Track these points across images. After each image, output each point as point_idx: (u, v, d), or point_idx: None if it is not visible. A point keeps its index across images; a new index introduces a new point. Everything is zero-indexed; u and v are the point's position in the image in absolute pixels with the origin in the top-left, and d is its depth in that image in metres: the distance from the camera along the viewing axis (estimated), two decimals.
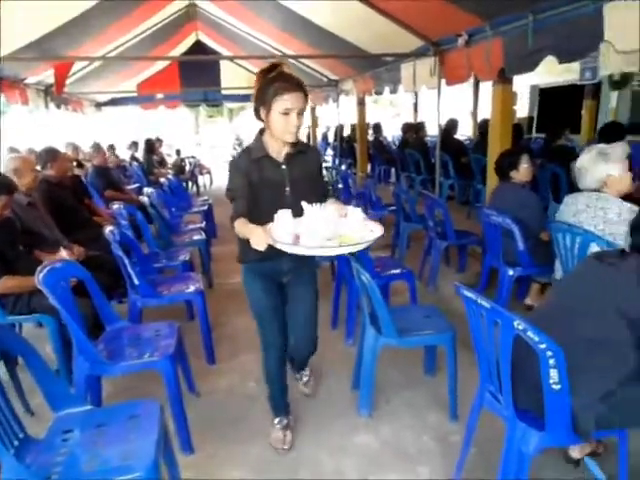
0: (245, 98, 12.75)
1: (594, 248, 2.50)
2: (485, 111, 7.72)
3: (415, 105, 11.68)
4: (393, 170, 9.52)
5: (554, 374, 1.48)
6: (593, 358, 1.56)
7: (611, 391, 1.56)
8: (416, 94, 12.09)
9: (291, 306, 2.25)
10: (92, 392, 2.31)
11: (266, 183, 1.99)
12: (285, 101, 1.87)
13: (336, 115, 9.93)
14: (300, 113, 1.92)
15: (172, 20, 8.12)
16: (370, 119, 11.75)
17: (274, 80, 1.89)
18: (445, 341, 2.40)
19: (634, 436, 1.83)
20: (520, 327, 1.47)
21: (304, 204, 1.85)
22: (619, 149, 2.57)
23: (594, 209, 2.63)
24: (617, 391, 1.57)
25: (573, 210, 2.75)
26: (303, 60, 8.55)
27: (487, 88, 5.30)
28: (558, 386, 1.50)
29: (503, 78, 4.49)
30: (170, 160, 11.54)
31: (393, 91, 6.68)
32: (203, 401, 2.75)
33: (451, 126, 7.22)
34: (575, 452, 2.06)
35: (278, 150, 2.03)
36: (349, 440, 2.37)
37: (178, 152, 12.66)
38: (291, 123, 1.91)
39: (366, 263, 2.90)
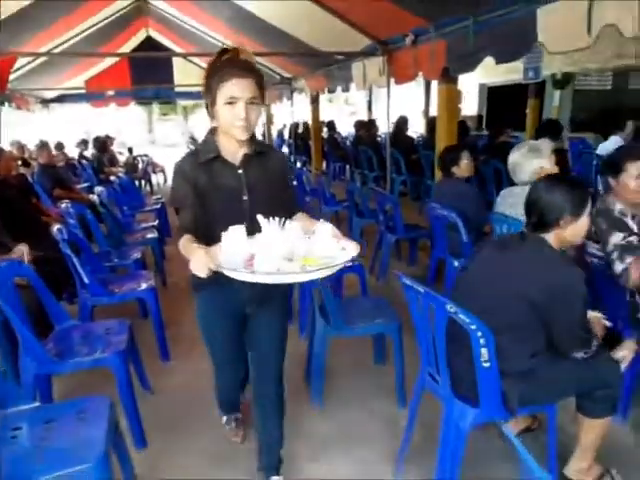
0: (199, 96, 12.58)
1: None
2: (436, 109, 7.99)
3: (369, 103, 11.90)
4: (348, 167, 9.68)
5: (484, 352, 1.60)
6: (508, 341, 1.68)
7: (528, 370, 1.71)
8: (370, 92, 12.34)
9: (253, 336, 1.91)
10: (42, 391, 2.30)
11: (218, 190, 1.67)
12: (229, 88, 1.56)
13: (290, 113, 9.98)
14: (251, 103, 1.59)
15: (122, 15, 7.95)
16: (325, 117, 11.88)
17: (220, 67, 1.60)
18: (391, 330, 2.51)
19: (567, 411, 2.00)
20: (452, 310, 1.59)
21: (260, 218, 1.51)
22: (547, 144, 2.77)
23: None
24: (534, 370, 1.71)
25: (510, 202, 2.91)
26: (256, 58, 8.56)
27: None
28: (488, 364, 1.62)
29: (447, 77, 4.67)
30: (122, 159, 11.28)
31: (345, 89, 6.80)
32: (157, 398, 2.77)
33: (401, 123, 7.42)
34: (510, 428, 2.21)
35: (234, 151, 1.71)
36: (301, 427, 2.45)
37: (130, 150, 12.39)
38: (237, 115, 1.58)
39: None
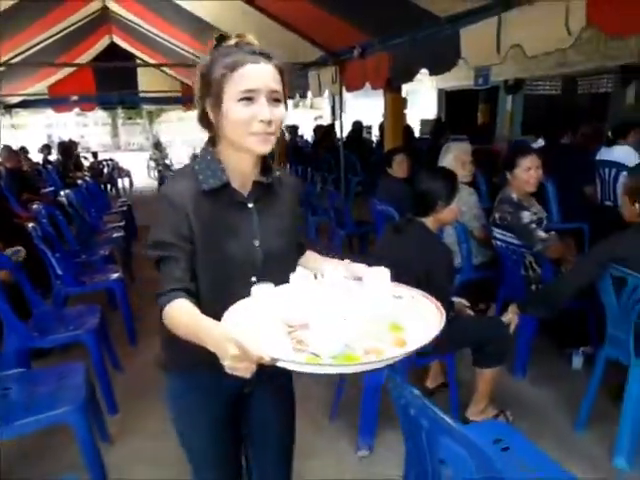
0: (164, 101, 12.85)
1: (448, 229, 3.12)
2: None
3: (333, 108, 12.37)
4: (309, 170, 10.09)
5: None
6: None
7: None
8: (333, 97, 12.81)
9: (256, 433, 1.41)
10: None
11: (226, 234, 1.16)
12: (245, 78, 1.08)
13: None
14: (274, 99, 1.12)
15: (85, 23, 8.16)
16: (291, 121, 12.28)
17: (226, 52, 1.11)
18: None
19: (468, 369, 2.43)
20: None
21: (300, 271, 1.14)
22: (455, 145, 3.27)
23: None
24: None
25: None
26: None
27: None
28: None
29: (391, 87, 5.15)
30: (87, 163, 11.41)
31: (303, 95, 7.23)
32: (127, 375, 3.10)
33: (357, 128, 7.89)
34: (429, 382, 2.65)
35: (242, 176, 1.20)
36: None
37: (95, 155, 12.52)
38: (258, 114, 1.08)
39: None
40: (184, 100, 12.11)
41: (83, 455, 1.88)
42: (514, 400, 2.61)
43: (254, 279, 1.16)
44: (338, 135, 9.74)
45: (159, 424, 2.56)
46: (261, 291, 1.05)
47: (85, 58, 9.90)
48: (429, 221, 2.17)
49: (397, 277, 1.92)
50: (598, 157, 4.25)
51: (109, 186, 10.68)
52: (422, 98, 19.18)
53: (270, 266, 1.19)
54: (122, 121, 26.99)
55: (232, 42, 1.13)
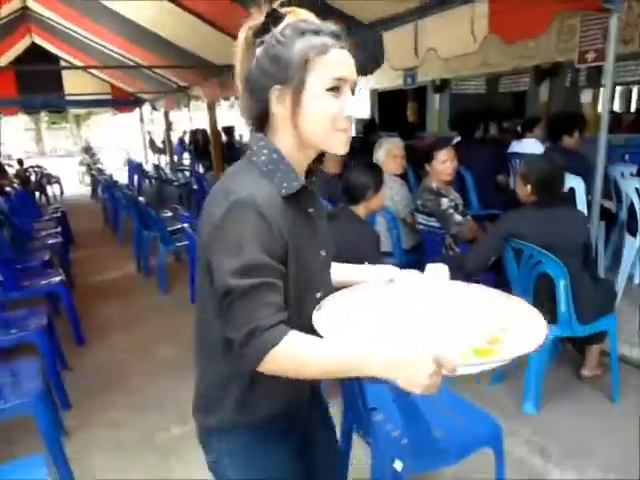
0: (93, 104, 12.50)
1: (379, 218, 3.40)
2: None
3: None
4: None
5: None
6: None
7: None
8: None
9: (321, 462, 1.24)
10: None
11: (305, 248, 1.00)
12: (335, 64, 0.94)
13: (189, 120, 10.29)
14: (353, 92, 0.99)
15: (2, 24, 7.84)
16: (228, 122, 12.32)
17: (300, 33, 0.93)
18: None
19: None
20: None
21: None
22: (386, 141, 3.57)
23: None
24: None
25: None
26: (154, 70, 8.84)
27: None
28: None
29: None
30: (12, 171, 10.93)
31: (237, 97, 7.32)
32: (76, 374, 3.15)
33: None
34: None
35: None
36: None
37: (20, 162, 11.98)
38: (347, 108, 0.96)
39: None
40: (115, 102, 11.85)
41: (45, 443, 1.97)
42: None
43: (319, 295, 1.04)
44: None
45: (112, 416, 2.69)
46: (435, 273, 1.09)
47: (4, 60, 9.48)
48: (359, 209, 2.44)
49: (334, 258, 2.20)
50: (510, 150, 4.70)
51: (37, 194, 10.30)
52: (356, 99, 19.63)
53: (327, 279, 1.11)
54: (46, 125, 25.76)
55: (293, 19, 0.96)
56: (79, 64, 10.20)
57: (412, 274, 1.16)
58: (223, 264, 0.88)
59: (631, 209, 3.37)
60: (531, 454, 2.24)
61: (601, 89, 2.98)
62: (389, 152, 3.44)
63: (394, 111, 16.27)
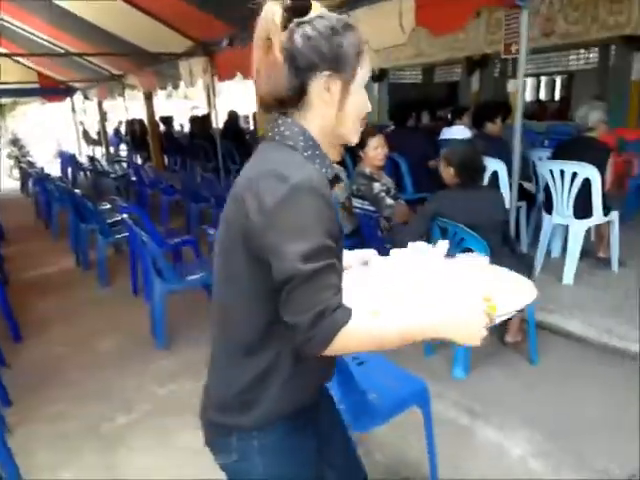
0: (18, 93, 11.84)
1: None
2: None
3: (209, 98, 12.34)
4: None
5: None
6: None
7: None
8: (209, 87, 12.80)
9: (326, 432, 1.25)
10: None
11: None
12: (368, 61, 1.02)
13: (125, 110, 9.99)
14: None
15: None
16: (165, 112, 12.04)
17: (350, 23, 0.99)
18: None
19: None
20: None
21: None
22: None
23: None
24: None
25: None
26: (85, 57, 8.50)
27: None
28: None
29: None
30: None
31: (175, 86, 7.24)
32: (14, 370, 3.09)
33: (232, 117, 8.08)
34: None
35: None
36: (149, 366, 3.02)
37: None
38: (368, 102, 1.05)
39: (153, 235, 3.52)
40: (43, 91, 11.29)
41: None
42: None
43: None
44: (215, 125, 9.92)
45: (55, 410, 2.67)
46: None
47: None
48: None
49: None
50: (441, 136, 4.95)
51: None
52: None
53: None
54: None
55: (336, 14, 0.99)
56: (2, 51, 9.63)
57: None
58: (287, 249, 0.86)
59: (547, 190, 3.68)
60: (459, 414, 2.45)
61: (521, 79, 3.21)
62: None
63: None
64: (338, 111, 0.98)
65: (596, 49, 13.34)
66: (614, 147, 5.81)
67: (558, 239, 4.01)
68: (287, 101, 0.96)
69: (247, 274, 0.94)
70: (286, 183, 0.88)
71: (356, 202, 3.32)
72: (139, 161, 11.24)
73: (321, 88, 0.96)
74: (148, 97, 9.19)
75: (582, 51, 13.86)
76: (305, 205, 0.88)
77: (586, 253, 3.94)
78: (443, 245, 1.26)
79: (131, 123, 11.12)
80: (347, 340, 0.88)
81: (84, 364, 3.12)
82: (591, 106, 3.59)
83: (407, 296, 1.06)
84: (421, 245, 1.28)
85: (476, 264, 1.23)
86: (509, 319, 2.96)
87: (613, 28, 10.42)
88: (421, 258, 1.24)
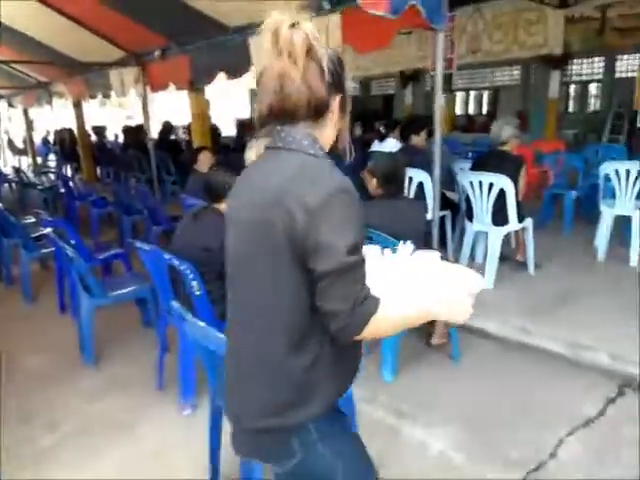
0: None
1: None
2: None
3: (144, 107, 12.07)
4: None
5: (195, 284, 2.37)
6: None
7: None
8: (144, 97, 12.52)
9: None
10: None
11: None
12: None
13: (53, 119, 9.60)
14: None
15: None
16: (99, 122, 11.67)
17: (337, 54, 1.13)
18: (147, 293, 3.14)
19: None
20: (167, 257, 2.32)
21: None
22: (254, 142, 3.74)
23: None
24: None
25: None
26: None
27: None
28: (199, 292, 2.40)
29: (195, 88, 5.44)
30: None
31: (105, 95, 7.06)
32: None
33: (167, 128, 7.97)
34: None
35: None
36: (76, 383, 2.94)
37: None
38: None
39: (80, 249, 3.43)
40: None
41: None
42: None
43: None
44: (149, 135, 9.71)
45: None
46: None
47: None
48: (222, 206, 2.57)
49: (197, 253, 2.32)
50: (371, 148, 5.13)
51: None
52: (236, 98, 19.75)
53: None
54: None
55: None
56: None
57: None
58: (337, 244, 0.96)
59: (468, 199, 3.92)
60: (387, 415, 2.56)
61: (439, 95, 3.41)
62: (259, 153, 3.60)
63: None
64: (331, 130, 1.11)
65: (519, 67, 14.28)
66: (531, 160, 6.26)
67: (481, 245, 4.27)
68: (314, 113, 1.05)
69: (293, 273, 1.01)
70: (325, 186, 0.98)
71: None
72: (69, 172, 10.81)
73: (333, 108, 1.08)
74: (77, 106, 8.89)
75: (507, 68, 14.78)
76: (344, 205, 0.98)
77: (506, 258, 4.23)
78: (408, 246, 1.40)
79: (60, 132, 10.69)
80: (377, 325, 1.00)
81: (8, 384, 2.98)
82: (503, 122, 3.88)
83: (400, 286, 1.18)
84: (373, 248, 1.38)
85: (435, 259, 1.37)
86: (433, 322, 3.13)
87: (531, 48, 11.26)
88: (392, 257, 1.39)
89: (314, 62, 1.02)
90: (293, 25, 0.99)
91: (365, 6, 2.58)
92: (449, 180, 4.32)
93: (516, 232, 4.11)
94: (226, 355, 1.20)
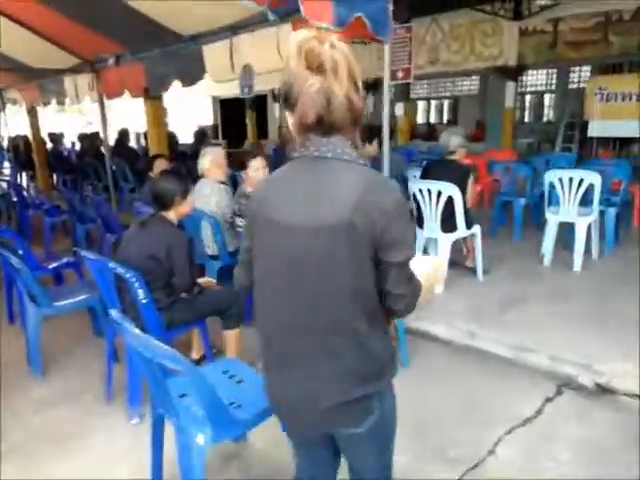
0: None
1: (205, 223, 3.57)
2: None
3: (102, 114, 11.86)
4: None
5: (141, 292, 2.37)
6: (152, 286, 2.50)
7: (170, 304, 2.57)
8: (102, 104, 12.31)
9: None
10: None
11: None
12: None
13: (4, 125, 9.31)
14: None
15: None
16: (57, 128, 11.38)
17: None
18: (96, 302, 3.11)
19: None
20: (112, 266, 2.32)
21: None
22: (209, 149, 3.76)
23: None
24: (173, 303, 2.59)
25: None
26: None
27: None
28: (145, 300, 2.39)
29: (151, 95, 5.40)
30: None
31: (60, 102, 6.93)
32: None
33: (123, 135, 7.87)
34: (194, 354, 3.07)
35: None
36: (23, 394, 2.89)
37: None
38: None
39: (27, 259, 3.37)
40: None
41: None
42: None
43: None
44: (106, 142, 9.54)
45: None
46: None
47: None
48: (170, 214, 2.58)
49: (142, 261, 2.31)
50: None
51: None
52: (199, 105, 19.62)
53: None
54: None
55: None
56: None
57: None
58: (409, 238, 1.20)
59: (419, 206, 4.03)
60: None
61: (386, 106, 3.50)
62: (212, 161, 3.61)
63: (235, 118, 16.55)
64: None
65: (477, 77, 14.73)
66: (484, 168, 6.47)
67: (433, 251, 4.38)
68: (354, 124, 1.18)
69: (369, 264, 1.16)
70: (393, 190, 1.18)
71: (239, 220, 3.42)
72: (24, 180, 10.51)
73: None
74: (31, 112, 8.67)
75: (466, 78, 15.22)
76: (406, 207, 1.22)
77: (456, 263, 4.36)
78: None
79: (14, 139, 10.38)
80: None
81: None
82: (450, 132, 4.02)
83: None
84: None
85: None
86: None
87: (488, 59, 11.64)
88: None
89: (352, 78, 1.13)
90: (332, 45, 1.10)
91: (310, 17, 2.64)
92: (403, 188, 4.43)
93: (465, 239, 4.25)
94: (276, 347, 1.28)
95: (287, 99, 1.15)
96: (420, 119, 18.50)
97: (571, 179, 4.39)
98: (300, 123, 1.14)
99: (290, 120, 1.17)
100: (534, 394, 2.78)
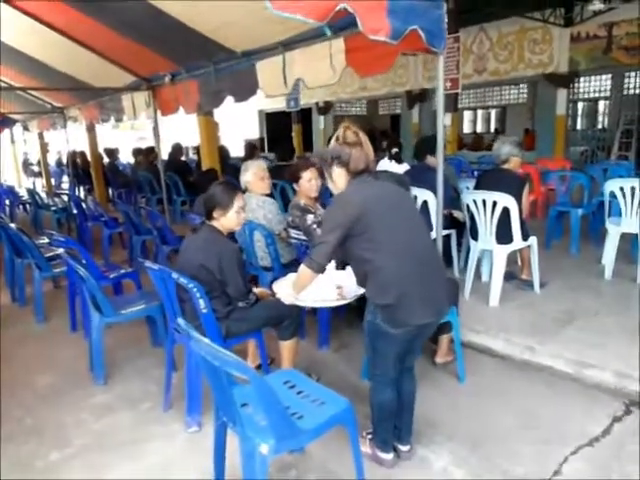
0: None
1: (257, 235, 3.62)
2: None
3: (155, 129, 12.33)
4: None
5: (202, 302, 2.43)
6: (211, 296, 2.55)
7: (227, 313, 2.61)
8: (155, 120, 12.80)
9: None
10: None
11: None
12: None
13: (66, 141, 9.78)
14: None
15: None
16: (111, 143, 11.91)
17: None
18: (156, 312, 3.20)
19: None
20: (175, 276, 2.39)
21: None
22: (251, 163, 3.80)
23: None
24: (231, 312, 2.62)
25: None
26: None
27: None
28: (205, 310, 2.45)
29: (204, 111, 5.57)
30: None
31: (118, 119, 7.24)
32: None
33: (176, 149, 8.13)
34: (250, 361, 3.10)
35: None
36: (86, 401, 2.99)
37: None
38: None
39: (91, 268, 3.51)
40: None
41: None
42: (319, 365, 3.22)
43: None
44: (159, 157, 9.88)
45: None
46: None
47: None
48: (217, 224, 2.64)
49: (195, 270, 2.38)
50: (377, 167, 5.20)
51: None
52: (246, 119, 20.08)
53: None
54: None
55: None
56: None
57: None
58: None
59: (472, 218, 3.95)
60: None
61: (440, 116, 3.48)
62: (255, 174, 3.66)
63: (281, 131, 16.82)
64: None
65: (525, 85, 14.40)
66: (537, 178, 6.29)
67: (487, 264, 4.29)
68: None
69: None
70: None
71: (293, 232, 3.46)
72: (82, 194, 11.01)
73: None
74: (90, 129, 9.10)
75: (514, 87, 14.91)
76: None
77: (512, 276, 4.24)
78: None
79: (73, 155, 10.91)
80: None
81: (20, 402, 3.04)
82: (502, 141, 3.93)
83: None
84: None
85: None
86: (438, 341, 3.14)
87: (537, 67, 11.35)
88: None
89: (367, 143, 2.23)
90: (356, 133, 2.24)
91: (367, 32, 2.66)
92: (456, 198, 4.36)
93: (521, 250, 4.13)
94: (413, 280, 2.07)
95: (339, 159, 2.16)
96: (466, 129, 18.24)
97: (633, 188, 4.21)
98: (354, 167, 2.15)
99: (337, 170, 2.18)
100: (599, 412, 2.66)
